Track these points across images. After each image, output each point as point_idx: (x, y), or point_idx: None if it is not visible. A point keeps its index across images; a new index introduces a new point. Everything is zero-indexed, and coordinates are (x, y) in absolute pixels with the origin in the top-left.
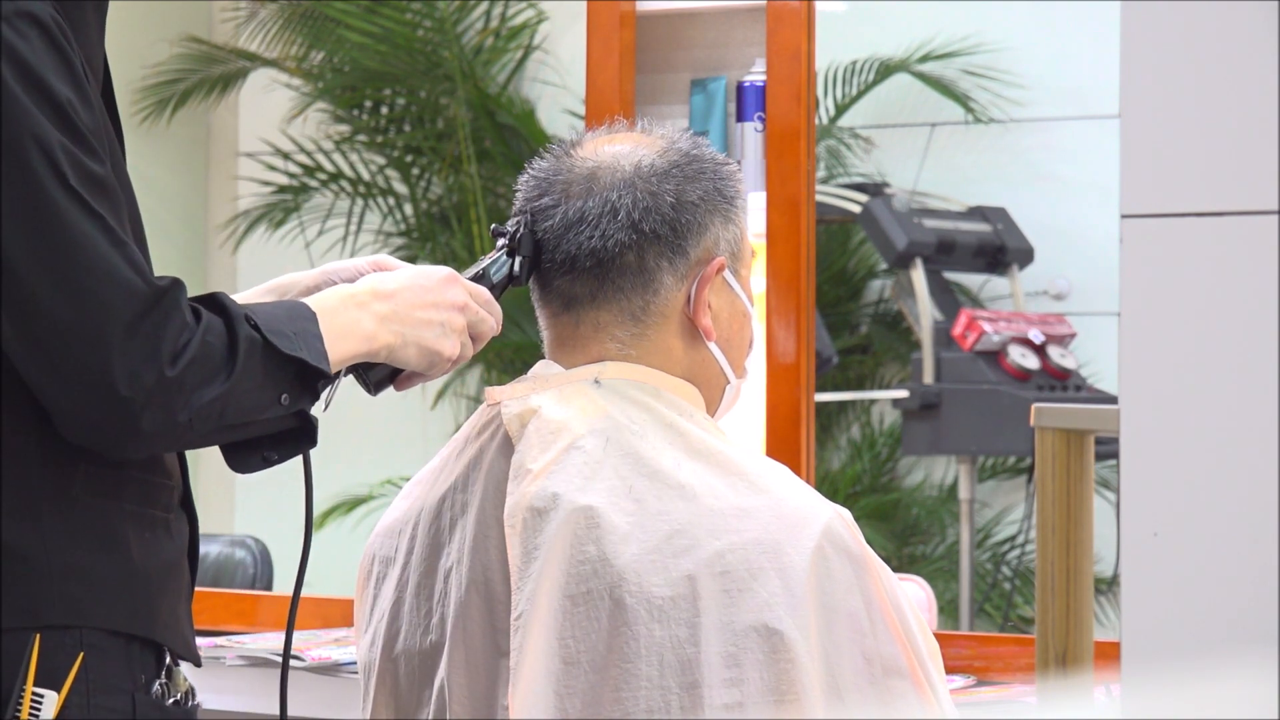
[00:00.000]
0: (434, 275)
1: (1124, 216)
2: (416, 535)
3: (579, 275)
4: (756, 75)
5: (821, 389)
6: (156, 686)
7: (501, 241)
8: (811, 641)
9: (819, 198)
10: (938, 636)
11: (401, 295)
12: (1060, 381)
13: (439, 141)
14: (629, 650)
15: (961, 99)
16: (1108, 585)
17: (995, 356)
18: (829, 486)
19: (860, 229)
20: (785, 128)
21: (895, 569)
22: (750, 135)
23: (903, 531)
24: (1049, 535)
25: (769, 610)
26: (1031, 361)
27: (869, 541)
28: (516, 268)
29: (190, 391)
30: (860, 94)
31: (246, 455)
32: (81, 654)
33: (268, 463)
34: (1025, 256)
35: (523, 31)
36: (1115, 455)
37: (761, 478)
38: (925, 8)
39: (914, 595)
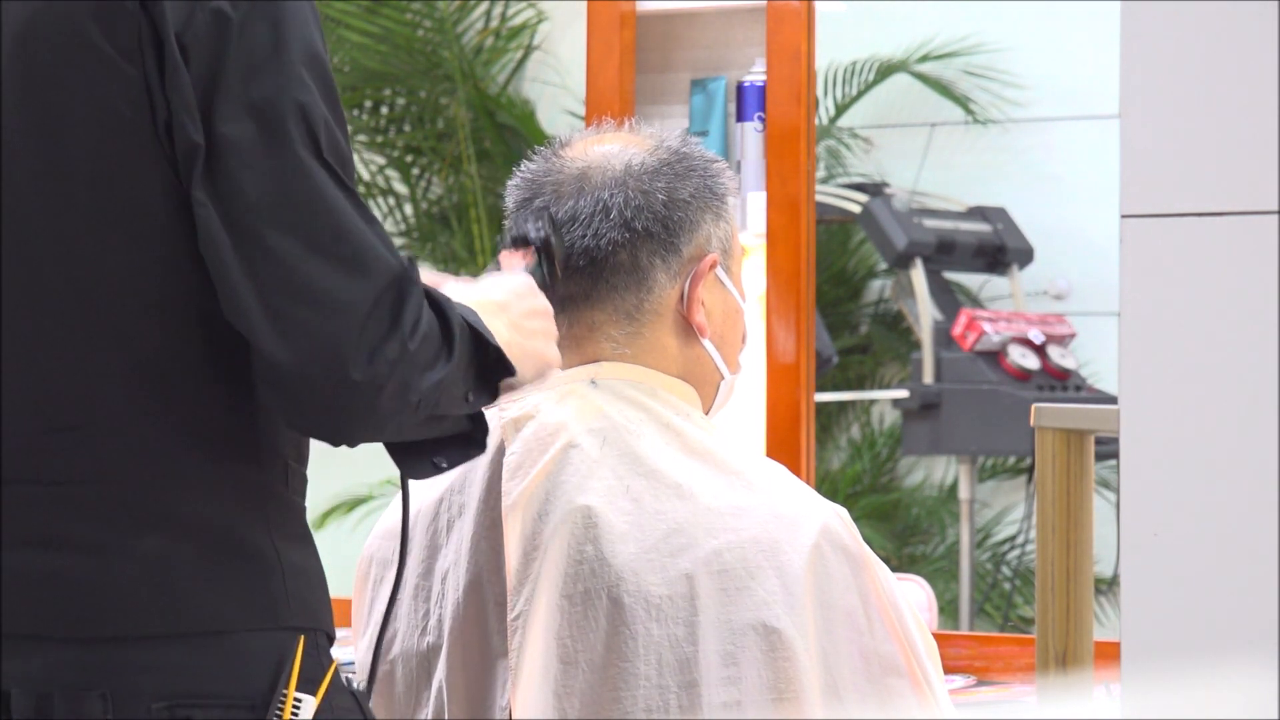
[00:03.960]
0: (524, 282)
1: (1124, 216)
2: (414, 537)
3: (572, 275)
4: (756, 75)
5: (821, 389)
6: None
7: (523, 247)
8: (809, 640)
9: (819, 198)
10: (937, 636)
11: (512, 304)
12: (1060, 381)
13: (439, 141)
14: (627, 650)
15: (961, 100)
16: (1108, 585)
17: (995, 356)
18: (829, 486)
19: (860, 229)
20: (785, 128)
21: (895, 569)
22: (750, 135)
23: (903, 531)
24: (1049, 535)
25: (767, 609)
26: (1031, 361)
27: (869, 541)
28: (547, 272)
29: (422, 371)
30: (860, 94)
31: (416, 459)
32: (335, 661)
33: (437, 469)
34: (1025, 256)
35: (523, 31)
36: (1115, 455)
37: (759, 476)
38: (925, 8)
39: (914, 595)
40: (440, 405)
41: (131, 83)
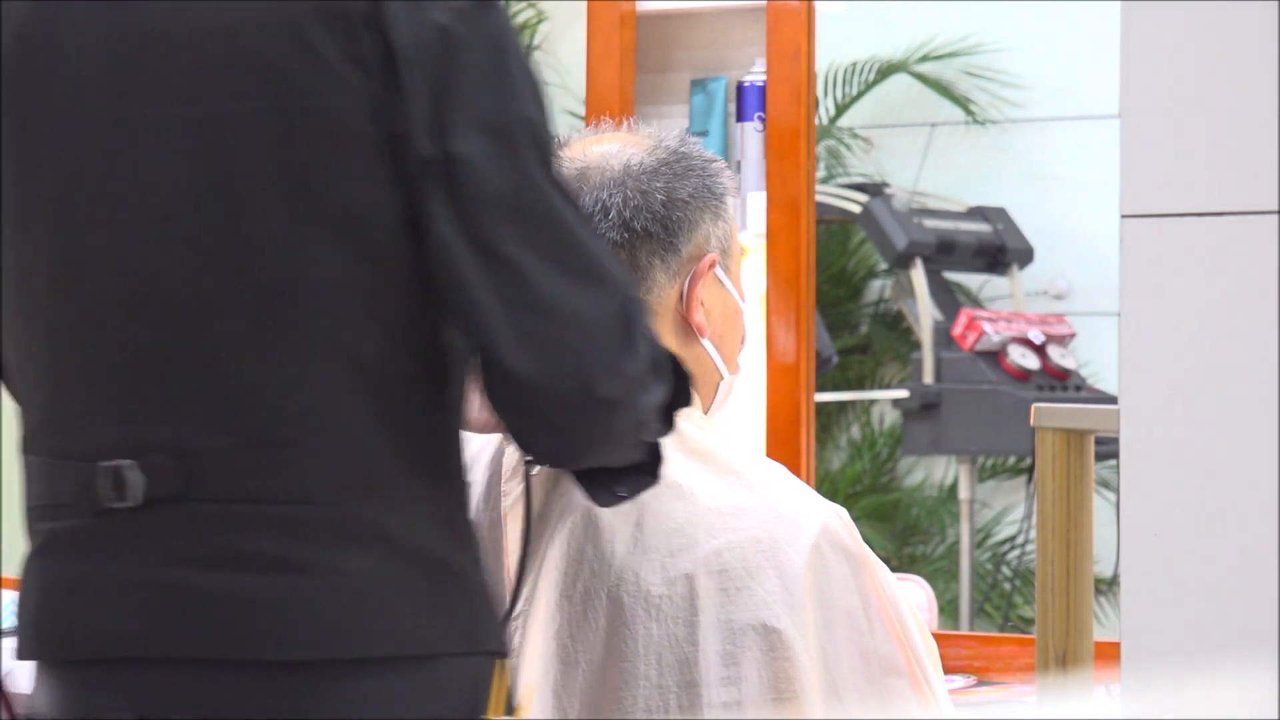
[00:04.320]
0: None
1: (1124, 216)
2: None
3: None
4: (756, 75)
5: (821, 389)
6: None
7: None
8: (809, 640)
9: (819, 198)
10: (937, 636)
11: None
12: (1060, 381)
13: None
14: (627, 650)
15: (961, 100)
16: (1108, 585)
17: (995, 356)
18: (829, 486)
19: (860, 229)
20: (785, 128)
21: (895, 569)
22: (750, 135)
23: (903, 531)
24: (1049, 535)
25: (767, 609)
26: (1031, 361)
27: (869, 541)
28: None
29: (648, 392)
30: (860, 94)
31: (600, 488)
32: (534, 690)
33: (619, 499)
34: (1025, 256)
35: (523, 31)
36: (1115, 455)
37: (759, 477)
38: (925, 8)
39: (914, 595)
40: (650, 429)
41: (360, 93)
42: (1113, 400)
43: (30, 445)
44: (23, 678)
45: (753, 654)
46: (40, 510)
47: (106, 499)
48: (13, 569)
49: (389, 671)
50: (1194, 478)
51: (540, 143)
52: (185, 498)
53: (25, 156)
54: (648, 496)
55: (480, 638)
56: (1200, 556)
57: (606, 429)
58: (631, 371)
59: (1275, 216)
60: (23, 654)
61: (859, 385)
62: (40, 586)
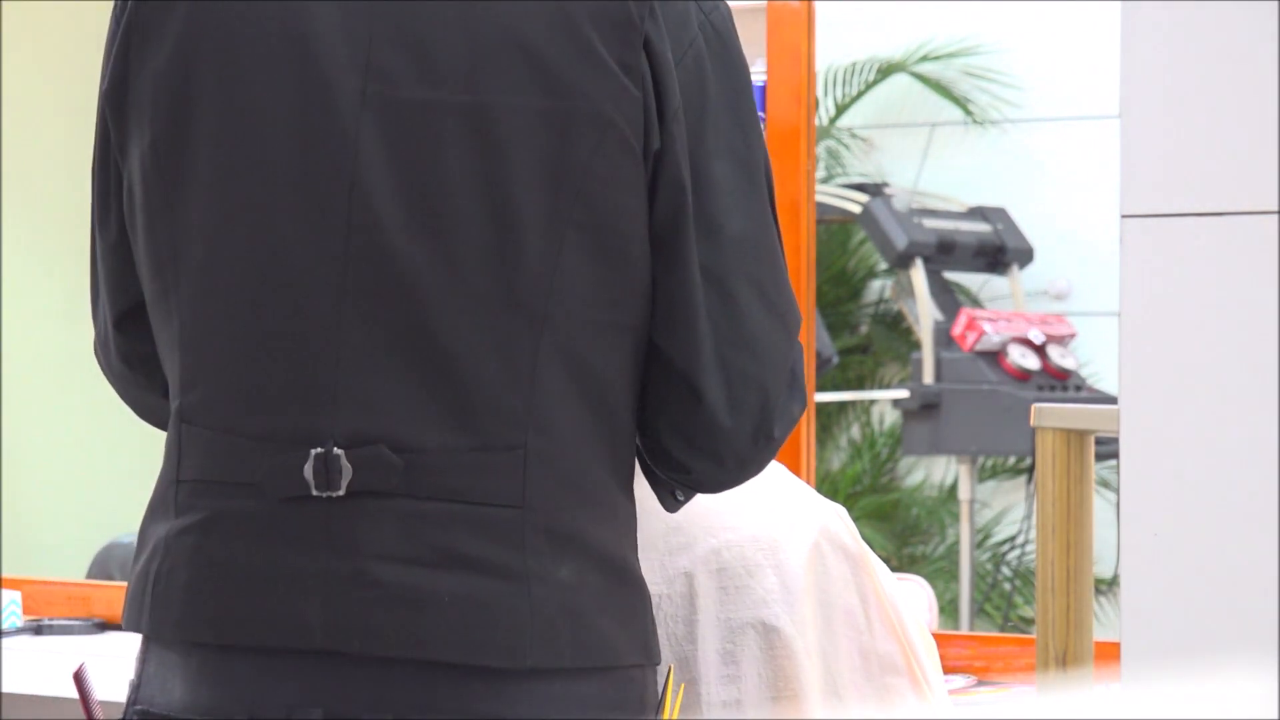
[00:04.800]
0: None
1: (1124, 216)
2: None
3: None
4: (756, 75)
5: (821, 389)
6: None
7: None
8: (809, 638)
9: (819, 198)
10: (937, 637)
11: None
12: (1060, 381)
13: None
14: None
15: (961, 101)
16: (1108, 585)
17: (995, 356)
18: (829, 486)
19: (860, 229)
20: (785, 128)
21: (895, 569)
22: None
23: (903, 531)
24: (1049, 535)
25: (766, 607)
26: (1031, 361)
27: (869, 541)
28: None
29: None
30: (860, 94)
31: (663, 491)
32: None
33: (678, 503)
34: (1025, 256)
35: None
36: (1115, 455)
37: (758, 475)
38: (925, 8)
39: (915, 595)
40: None
41: (634, 103)
42: (1113, 400)
43: (197, 418)
44: (94, 675)
45: (752, 653)
46: (204, 486)
47: (314, 486)
48: (13, 569)
49: (576, 680)
50: (1194, 478)
51: (769, 178)
52: (398, 492)
53: (246, 136)
54: (645, 494)
55: (653, 650)
56: (1200, 556)
57: (760, 467)
58: (797, 415)
59: (1275, 216)
60: (159, 631)
61: (859, 385)
62: (197, 565)
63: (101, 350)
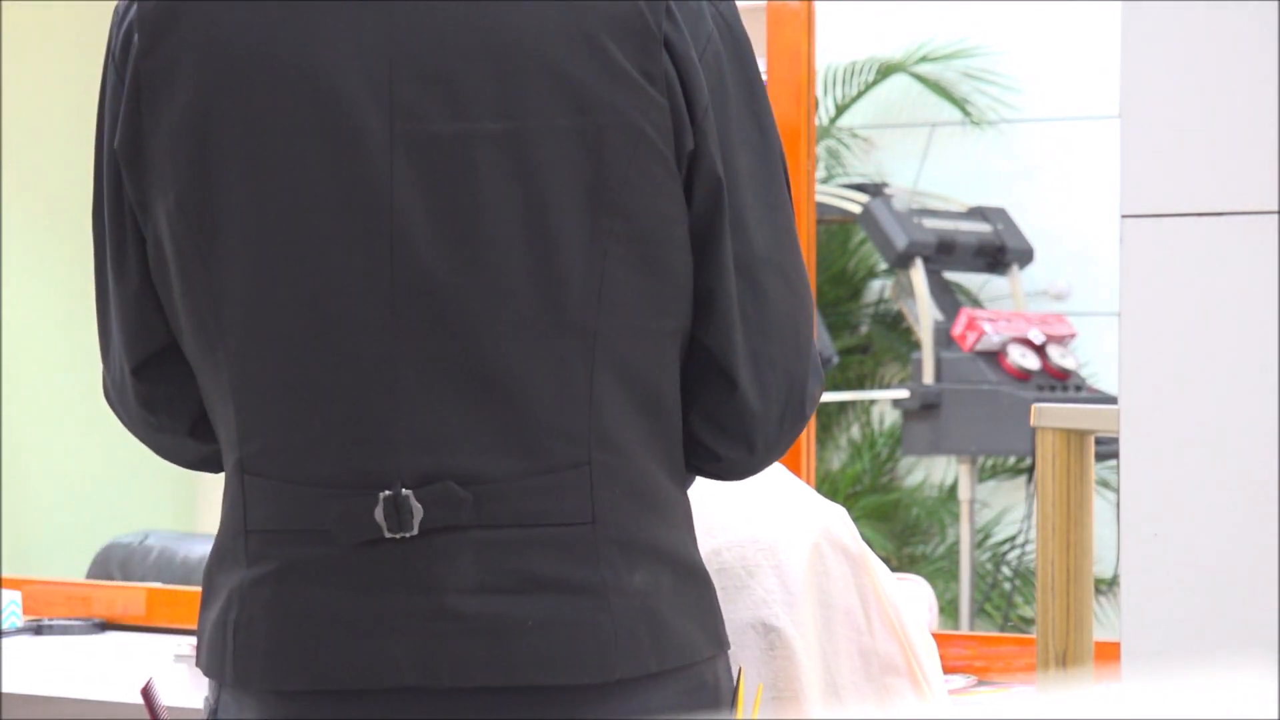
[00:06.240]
0: None
1: (1124, 216)
2: None
3: None
4: None
5: None
6: None
7: None
8: (809, 639)
9: (819, 198)
10: (937, 637)
11: None
12: (1060, 381)
13: None
14: None
15: (960, 102)
16: (1108, 585)
17: (995, 356)
18: (829, 486)
19: (860, 229)
20: (785, 128)
21: (895, 569)
22: None
23: (903, 531)
24: (1049, 535)
25: (766, 607)
26: (1031, 361)
27: (869, 541)
28: None
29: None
30: (860, 94)
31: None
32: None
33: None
34: (1025, 256)
35: None
36: (1115, 455)
37: (758, 476)
38: (925, 9)
39: (916, 595)
40: None
41: (661, 110)
42: (1113, 400)
43: (259, 468)
44: (163, 687)
45: (752, 653)
46: (274, 535)
47: (387, 528)
48: (13, 569)
49: (657, 680)
50: (1194, 478)
51: (784, 160)
52: (470, 524)
53: (276, 189)
54: None
55: (723, 637)
56: (1200, 556)
57: (786, 449)
58: (818, 394)
59: (1275, 216)
60: (245, 681)
61: (859, 385)
62: (277, 614)
63: (116, 393)
